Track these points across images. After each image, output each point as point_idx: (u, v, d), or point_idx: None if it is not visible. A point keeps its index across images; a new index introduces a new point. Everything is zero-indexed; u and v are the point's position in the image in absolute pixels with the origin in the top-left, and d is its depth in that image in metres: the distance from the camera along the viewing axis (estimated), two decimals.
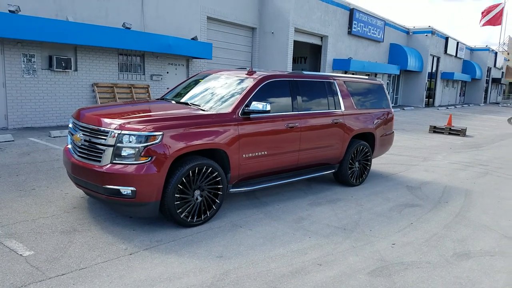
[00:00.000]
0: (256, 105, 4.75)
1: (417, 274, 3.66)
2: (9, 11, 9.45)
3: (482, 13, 45.99)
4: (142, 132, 4.05)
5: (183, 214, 4.31)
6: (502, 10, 45.86)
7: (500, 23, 46.37)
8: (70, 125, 4.85)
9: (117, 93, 12.31)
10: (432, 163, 8.91)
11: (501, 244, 4.47)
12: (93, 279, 3.29)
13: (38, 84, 10.79)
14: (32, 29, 9.55)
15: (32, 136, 9.54)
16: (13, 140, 8.83)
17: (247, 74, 5.41)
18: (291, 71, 5.95)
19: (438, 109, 29.17)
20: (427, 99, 31.10)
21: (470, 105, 38.73)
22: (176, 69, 14.49)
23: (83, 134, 4.40)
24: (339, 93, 6.20)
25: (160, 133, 4.09)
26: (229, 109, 4.79)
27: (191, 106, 5.07)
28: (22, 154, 7.61)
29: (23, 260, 3.54)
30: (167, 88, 13.92)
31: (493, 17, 45.78)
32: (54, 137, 9.58)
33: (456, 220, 5.17)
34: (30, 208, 4.81)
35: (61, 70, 11.02)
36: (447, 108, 31.32)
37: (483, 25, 45.97)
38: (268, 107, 4.74)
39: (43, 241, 3.93)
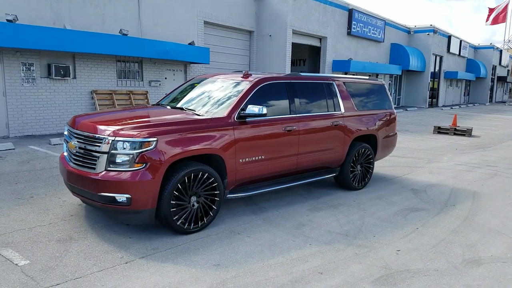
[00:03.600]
0: (252, 109, 4.64)
1: (424, 283, 3.51)
2: (7, 20, 9.44)
3: (490, 11, 45.70)
4: (136, 138, 3.97)
5: (180, 221, 4.21)
6: (506, 7, 45.57)
7: (504, 20, 46.07)
8: (66, 133, 4.78)
9: (116, 99, 12.27)
10: (438, 164, 8.74)
11: None
12: None
13: (38, 92, 10.76)
14: (30, 37, 9.55)
15: (32, 144, 9.50)
16: (14, 148, 8.79)
17: (242, 77, 5.31)
18: (283, 73, 5.84)
19: (442, 109, 28.94)
20: (430, 99, 30.86)
21: (475, 104, 38.40)
22: (174, 74, 14.44)
23: (77, 141, 4.33)
24: (338, 95, 6.08)
25: (154, 139, 4.01)
26: (225, 113, 4.69)
27: (186, 111, 4.98)
28: (22, 162, 7.56)
29: (19, 270, 3.48)
30: (165, 94, 13.87)
31: (497, 15, 45.50)
32: (54, 144, 9.53)
33: (464, 225, 5.00)
34: (28, 217, 4.74)
35: (60, 78, 10.99)
36: (451, 108, 31.08)
37: (491, 24, 45.65)
38: (265, 110, 4.63)
39: (39, 250, 3.87)
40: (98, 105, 11.76)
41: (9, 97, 10.25)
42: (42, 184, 6.14)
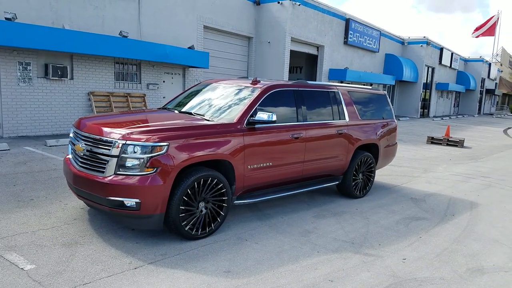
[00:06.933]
0: (262, 115, 4.67)
1: None
2: (6, 18, 9.33)
3: (478, 27, 46.58)
4: (147, 143, 3.95)
5: (188, 227, 4.20)
6: (495, 23, 46.50)
7: (494, 34, 46.99)
8: (71, 135, 4.73)
9: (113, 102, 12.17)
10: (434, 174, 8.87)
11: None
12: None
13: (34, 92, 10.63)
14: (28, 37, 9.42)
15: (27, 145, 9.36)
16: (8, 149, 8.65)
17: (251, 84, 5.33)
18: (290, 80, 5.88)
19: (433, 120, 29.35)
20: (422, 110, 31.26)
21: (464, 116, 39.01)
22: (172, 78, 14.40)
23: (85, 144, 4.28)
24: (343, 103, 6.14)
25: (166, 143, 3.99)
26: (235, 119, 4.70)
27: (195, 116, 4.98)
28: (18, 164, 7.43)
29: (25, 274, 3.41)
30: (163, 97, 13.83)
31: (488, 29, 46.39)
32: (50, 146, 9.40)
33: (464, 234, 5.08)
34: (29, 220, 4.66)
35: (57, 78, 10.87)
36: (442, 118, 31.54)
37: (477, 36, 46.48)
38: (274, 117, 4.66)
39: (44, 254, 3.80)
40: (95, 107, 11.65)
41: (4, 96, 10.09)
42: (41, 186, 6.05)
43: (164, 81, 14.04)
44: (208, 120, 4.74)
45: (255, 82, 5.35)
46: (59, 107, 11.19)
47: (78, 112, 11.49)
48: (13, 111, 10.30)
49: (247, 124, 4.70)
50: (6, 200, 5.31)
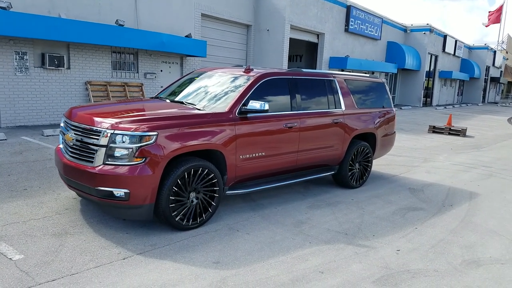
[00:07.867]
0: (254, 104, 4.58)
1: (425, 283, 3.49)
2: (0, 7, 9.22)
3: (490, 13, 46.04)
4: (136, 132, 3.88)
5: (178, 217, 4.15)
6: (501, 8, 45.91)
7: (499, 21, 46.41)
8: (62, 124, 4.67)
9: (110, 91, 12.09)
10: (434, 164, 8.76)
11: (511, 252, 4.30)
12: (84, 285, 3.14)
13: (31, 82, 10.56)
14: (24, 26, 9.34)
15: (25, 134, 9.33)
16: (5, 139, 8.62)
17: (244, 72, 5.23)
18: (285, 69, 5.78)
19: (436, 109, 29.09)
20: (424, 99, 30.99)
21: (468, 104, 38.65)
22: (170, 67, 14.27)
23: (75, 133, 4.23)
24: (339, 92, 6.03)
25: (155, 133, 3.92)
26: (226, 108, 4.62)
27: (186, 105, 4.89)
28: (14, 153, 7.41)
29: (13, 264, 3.39)
30: (161, 87, 13.73)
31: (496, 16, 45.89)
32: (47, 136, 9.37)
33: (462, 225, 5.00)
34: (21, 209, 4.64)
35: (53, 68, 10.80)
36: (445, 107, 31.25)
37: (488, 25, 45.98)
38: (266, 107, 4.57)
39: (33, 244, 3.78)
40: (92, 96, 11.58)
41: (1, 86, 10.03)
42: (35, 176, 6.02)
43: (161, 70, 13.92)
44: (199, 110, 4.66)
45: (248, 70, 5.24)
46: (56, 97, 11.13)
47: (75, 102, 11.43)
48: (10, 101, 10.25)
49: (239, 113, 4.62)
50: (0, 190, 5.28)
